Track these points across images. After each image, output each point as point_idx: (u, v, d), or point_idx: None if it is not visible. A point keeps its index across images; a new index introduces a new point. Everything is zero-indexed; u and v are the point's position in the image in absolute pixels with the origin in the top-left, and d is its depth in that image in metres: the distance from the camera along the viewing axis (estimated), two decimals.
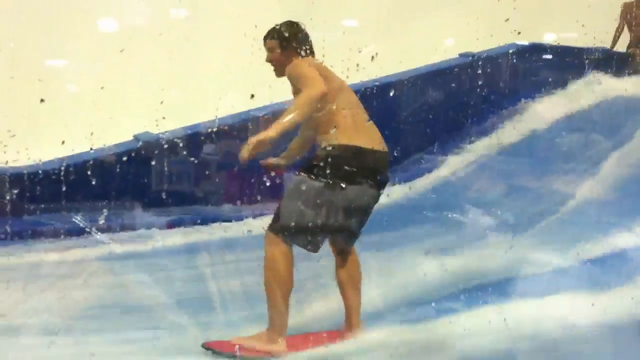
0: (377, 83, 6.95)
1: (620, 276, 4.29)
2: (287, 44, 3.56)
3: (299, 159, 3.82)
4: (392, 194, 6.09)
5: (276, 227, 3.36)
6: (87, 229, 4.94)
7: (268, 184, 3.97)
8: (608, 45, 9.06)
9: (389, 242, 4.83)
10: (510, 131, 7.57)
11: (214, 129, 5.71)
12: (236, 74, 5.20)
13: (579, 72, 7.92)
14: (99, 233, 4.92)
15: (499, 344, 3.40)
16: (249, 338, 3.43)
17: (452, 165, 7.10)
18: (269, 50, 3.60)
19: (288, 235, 3.34)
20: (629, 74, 8.22)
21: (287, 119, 3.20)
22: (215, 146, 5.82)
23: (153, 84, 5.56)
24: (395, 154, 7.19)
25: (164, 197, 5.37)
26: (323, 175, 3.33)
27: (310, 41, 3.61)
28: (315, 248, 3.40)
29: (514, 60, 7.82)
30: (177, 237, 5.27)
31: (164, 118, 4.92)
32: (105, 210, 5.06)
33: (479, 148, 7.42)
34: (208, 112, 5.76)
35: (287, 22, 3.60)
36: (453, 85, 7.40)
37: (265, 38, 3.61)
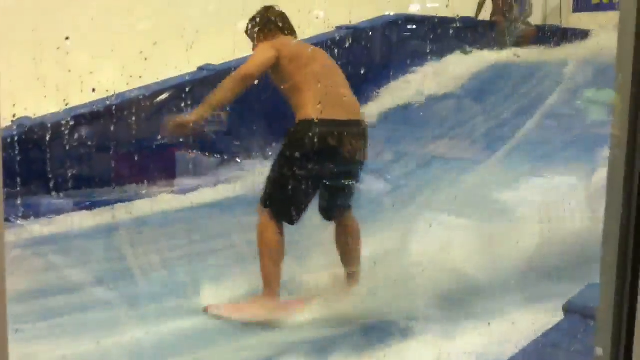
0: None
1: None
2: (258, 29, 3.69)
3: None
4: None
5: (263, 199, 3.53)
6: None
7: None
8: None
9: None
10: (388, 101, 7.80)
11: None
12: None
13: (449, 43, 8.29)
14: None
15: None
16: (245, 303, 3.60)
17: None
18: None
19: (271, 206, 3.50)
20: (496, 45, 8.67)
21: (208, 102, 3.48)
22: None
23: None
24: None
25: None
26: (298, 149, 3.41)
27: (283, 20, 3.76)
28: (290, 221, 3.54)
29: (388, 33, 8.05)
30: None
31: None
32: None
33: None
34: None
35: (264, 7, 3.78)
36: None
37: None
